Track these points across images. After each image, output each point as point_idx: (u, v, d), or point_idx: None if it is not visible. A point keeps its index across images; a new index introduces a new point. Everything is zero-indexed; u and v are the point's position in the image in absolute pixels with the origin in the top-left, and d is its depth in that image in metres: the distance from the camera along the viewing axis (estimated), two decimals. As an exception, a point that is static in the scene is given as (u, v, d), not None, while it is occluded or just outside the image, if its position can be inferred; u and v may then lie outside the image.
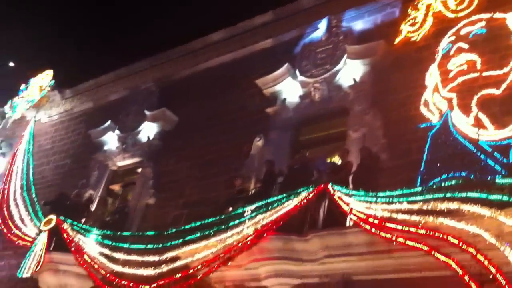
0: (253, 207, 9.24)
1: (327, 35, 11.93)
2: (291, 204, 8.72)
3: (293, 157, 10.65)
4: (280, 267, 8.73)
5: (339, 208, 8.25)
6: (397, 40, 10.76)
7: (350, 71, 11.04)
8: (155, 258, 9.97)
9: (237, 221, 9.20)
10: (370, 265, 8.01)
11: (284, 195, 8.94)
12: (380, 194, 7.84)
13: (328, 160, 10.37)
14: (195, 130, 13.33)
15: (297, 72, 11.84)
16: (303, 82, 11.65)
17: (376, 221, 7.54)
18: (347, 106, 10.81)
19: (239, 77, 13.27)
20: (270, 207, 8.94)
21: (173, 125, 14.09)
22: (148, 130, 14.16)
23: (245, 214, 9.31)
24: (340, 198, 8.26)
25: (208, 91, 13.89)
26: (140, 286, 9.96)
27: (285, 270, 8.72)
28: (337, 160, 10.13)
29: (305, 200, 8.61)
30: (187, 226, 10.01)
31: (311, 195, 8.61)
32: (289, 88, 11.84)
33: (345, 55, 11.18)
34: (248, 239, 8.73)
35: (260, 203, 9.17)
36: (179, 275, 9.34)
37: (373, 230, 7.54)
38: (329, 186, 8.51)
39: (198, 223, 9.82)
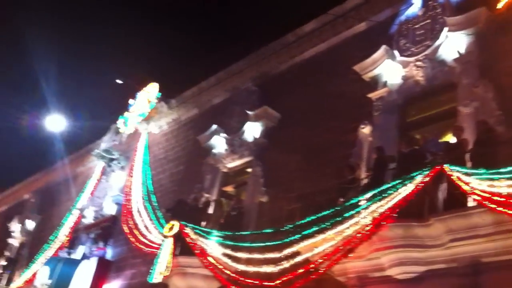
0: (368, 195, 9.13)
1: (423, 10, 11.44)
2: (407, 189, 8.49)
3: (402, 140, 10.33)
4: (403, 255, 8.55)
5: (458, 189, 7.91)
6: (500, 5, 10.07)
7: (452, 44, 10.53)
8: (276, 254, 10.12)
9: (352, 212, 9.12)
10: (499, 246, 7.64)
11: (399, 180, 8.71)
12: (503, 170, 7.43)
13: (440, 140, 9.97)
14: (298, 124, 13.35)
15: (396, 52, 11.49)
16: (403, 62, 11.28)
17: (502, 199, 7.16)
18: (454, 81, 10.33)
19: (336, 65, 13.08)
20: (385, 195, 8.75)
21: (276, 122, 14.17)
22: (252, 130, 14.37)
23: (359, 204, 9.23)
24: (459, 178, 7.91)
25: (306, 83, 13.85)
26: (264, 283, 10.18)
27: (409, 257, 8.54)
28: (449, 138, 9.73)
29: (422, 184, 8.37)
30: (303, 221, 10.05)
31: (427, 178, 8.34)
32: (390, 70, 11.51)
33: (446, 28, 10.69)
34: (367, 229, 8.61)
35: (374, 191, 9.04)
36: (301, 270, 9.41)
37: (499, 209, 7.18)
38: (446, 166, 8.21)
39: (313, 217, 9.81)
